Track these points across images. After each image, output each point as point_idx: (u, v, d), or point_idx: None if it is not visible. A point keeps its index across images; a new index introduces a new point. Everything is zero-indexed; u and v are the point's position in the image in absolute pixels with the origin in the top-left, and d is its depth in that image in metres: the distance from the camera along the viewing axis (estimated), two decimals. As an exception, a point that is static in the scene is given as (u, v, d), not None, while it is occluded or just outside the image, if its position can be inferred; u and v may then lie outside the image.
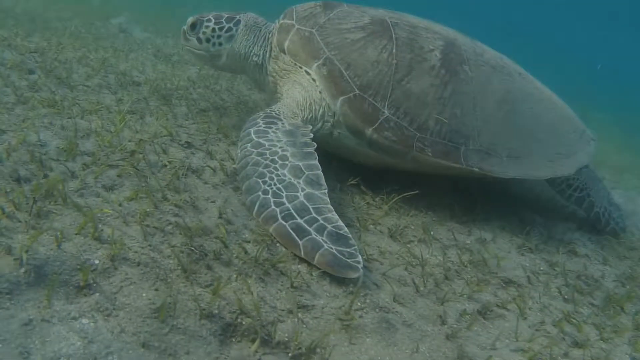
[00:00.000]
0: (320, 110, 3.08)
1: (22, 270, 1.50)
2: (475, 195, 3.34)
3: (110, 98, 3.35)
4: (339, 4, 3.39)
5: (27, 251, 1.54)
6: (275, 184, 2.45)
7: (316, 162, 2.66)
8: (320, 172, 2.59)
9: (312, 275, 1.99)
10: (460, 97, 3.07)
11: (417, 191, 2.78)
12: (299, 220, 2.26)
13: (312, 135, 2.86)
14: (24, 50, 3.96)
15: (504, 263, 2.52)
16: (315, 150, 2.69)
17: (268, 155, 2.61)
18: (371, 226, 2.55)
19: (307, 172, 2.59)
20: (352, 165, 3.10)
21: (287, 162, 2.62)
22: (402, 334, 1.82)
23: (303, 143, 2.79)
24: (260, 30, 3.47)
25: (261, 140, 2.71)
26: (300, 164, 2.62)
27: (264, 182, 2.44)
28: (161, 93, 3.72)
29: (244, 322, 1.63)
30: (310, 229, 2.22)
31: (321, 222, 2.28)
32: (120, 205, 1.99)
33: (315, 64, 3.05)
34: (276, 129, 2.85)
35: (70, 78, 3.52)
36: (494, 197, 3.48)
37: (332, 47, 3.08)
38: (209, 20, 3.43)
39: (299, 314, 1.75)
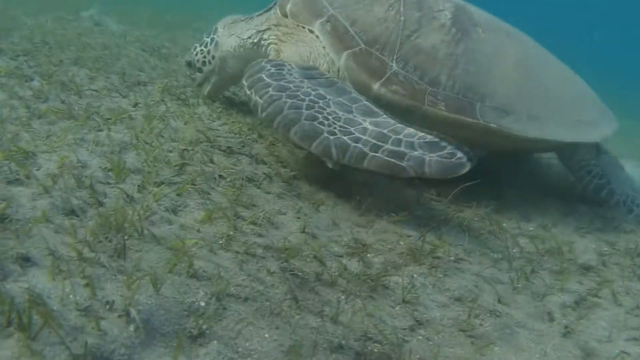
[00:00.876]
0: (324, 66, 2.90)
1: (132, 328, 1.27)
2: (500, 181, 3.17)
3: (125, 102, 3.03)
4: None
5: (131, 304, 1.30)
6: (334, 123, 2.28)
7: (355, 94, 2.54)
8: (366, 101, 2.48)
9: (415, 284, 1.81)
10: (473, 55, 2.88)
11: (478, 180, 2.63)
12: (388, 145, 2.18)
13: (328, 74, 2.71)
14: (11, 53, 3.53)
15: (574, 248, 2.44)
16: None
17: (302, 96, 2.40)
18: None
19: (354, 105, 2.45)
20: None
21: (327, 100, 2.44)
22: (523, 337, 1.70)
23: (328, 81, 2.63)
24: (242, 21, 3.35)
25: (282, 83, 2.48)
26: (341, 99, 2.46)
27: (321, 124, 2.25)
28: (173, 93, 3.41)
29: (374, 350, 1.46)
30: (404, 149, 2.16)
31: (406, 139, 2.22)
32: (198, 231, 1.75)
33: (319, 21, 2.90)
34: (288, 70, 2.64)
35: (74, 82, 3.14)
36: (511, 182, 3.31)
37: (336, 6, 2.93)
38: (194, 49, 3.47)
39: (422, 331, 1.60)
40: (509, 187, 3.05)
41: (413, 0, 2.97)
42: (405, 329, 1.59)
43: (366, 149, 2.15)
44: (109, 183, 1.94)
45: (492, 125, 2.74)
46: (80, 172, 1.97)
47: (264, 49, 3.24)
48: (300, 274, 1.66)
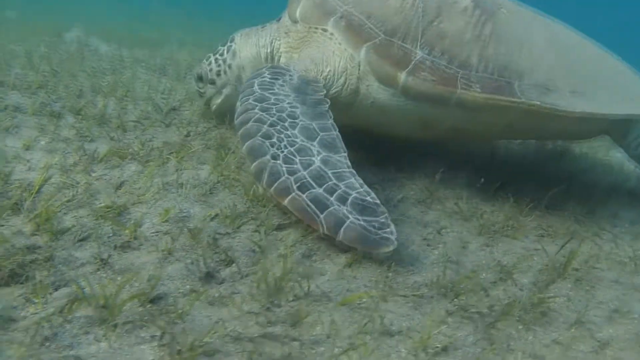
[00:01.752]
0: (342, 62, 2.70)
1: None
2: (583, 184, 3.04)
3: (175, 133, 2.74)
4: None
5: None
6: (285, 147, 2.08)
7: (331, 122, 2.31)
8: (336, 133, 2.24)
9: (573, 301, 1.65)
10: (503, 36, 2.67)
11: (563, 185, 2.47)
12: (317, 189, 1.90)
13: (324, 92, 2.53)
14: (26, 87, 3.15)
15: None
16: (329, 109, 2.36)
17: (274, 112, 2.24)
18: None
19: (321, 134, 2.23)
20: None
21: (296, 121, 2.25)
22: None
23: (315, 101, 2.43)
24: (258, 30, 3.13)
25: (266, 94, 2.34)
26: (313, 123, 2.26)
27: (272, 145, 2.06)
28: (209, 117, 3.13)
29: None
30: (331, 199, 1.87)
31: (343, 189, 1.93)
32: (355, 277, 1.54)
33: (332, 19, 2.70)
34: (283, 81, 2.49)
35: (108, 115, 2.83)
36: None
37: (348, 2, 2.74)
38: (207, 59, 3.18)
39: (609, 351, 1.46)
40: (593, 188, 2.94)
41: None
42: (592, 351, 1.44)
43: (294, 186, 1.90)
44: (228, 233, 1.69)
45: (535, 102, 2.45)
46: (192, 225, 1.70)
47: (277, 59, 3.07)
48: (475, 310, 1.47)
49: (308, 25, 2.84)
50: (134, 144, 2.45)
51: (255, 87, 2.38)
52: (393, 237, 1.73)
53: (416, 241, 1.92)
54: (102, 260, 1.46)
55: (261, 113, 2.20)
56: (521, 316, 1.52)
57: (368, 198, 1.91)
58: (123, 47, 5.84)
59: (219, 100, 3.17)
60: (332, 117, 2.33)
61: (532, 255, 1.95)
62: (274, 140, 2.09)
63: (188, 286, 1.36)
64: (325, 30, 2.76)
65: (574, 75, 2.72)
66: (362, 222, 1.78)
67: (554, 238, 2.16)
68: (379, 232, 1.75)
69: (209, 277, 1.45)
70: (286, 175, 1.93)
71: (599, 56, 3.10)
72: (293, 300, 1.37)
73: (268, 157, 1.99)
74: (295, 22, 2.91)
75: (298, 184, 1.90)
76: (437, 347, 1.30)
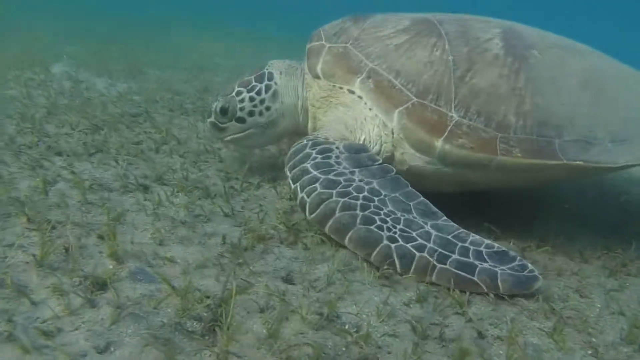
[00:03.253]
0: (375, 130, 2.53)
1: None
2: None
3: (272, 194, 2.62)
4: (370, 15, 2.88)
5: None
6: (394, 226, 2.03)
7: (410, 187, 2.27)
8: (423, 198, 2.23)
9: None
10: (538, 84, 2.50)
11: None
12: (455, 256, 1.95)
13: (379, 158, 2.43)
14: (77, 151, 2.96)
15: None
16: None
17: (354, 193, 2.13)
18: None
19: (411, 203, 2.20)
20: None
21: (383, 197, 2.16)
22: None
23: (380, 169, 2.34)
24: (297, 70, 2.90)
25: (331, 177, 2.20)
26: (398, 194, 2.21)
27: (380, 228, 2.00)
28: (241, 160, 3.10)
29: None
30: (473, 260, 1.95)
31: (472, 248, 2.01)
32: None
33: (359, 79, 2.53)
34: (336, 157, 2.34)
35: (157, 171, 2.76)
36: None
37: (373, 57, 2.57)
38: (239, 93, 2.79)
39: None
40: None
41: (456, 34, 2.61)
42: None
43: (433, 260, 1.92)
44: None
45: (578, 162, 2.37)
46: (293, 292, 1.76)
47: (303, 113, 2.88)
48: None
49: (332, 84, 2.66)
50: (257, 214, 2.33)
51: (314, 171, 2.22)
52: (537, 274, 1.93)
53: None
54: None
55: (343, 199, 2.08)
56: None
57: (495, 248, 2.02)
58: (118, 80, 5.42)
59: (238, 136, 2.86)
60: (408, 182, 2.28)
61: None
62: (379, 222, 2.01)
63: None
64: (352, 91, 2.59)
65: (613, 118, 2.59)
66: (508, 270, 1.92)
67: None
68: (524, 272, 1.92)
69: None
70: (418, 253, 1.91)
71: (632, 85, 2.91)
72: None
73: (385, 241, 1.95)
74: (317, 77, 2.71)
75: (435, 257, 1.91)
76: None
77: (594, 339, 1.75)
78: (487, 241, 2.06)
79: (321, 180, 2.16)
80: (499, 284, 1.87)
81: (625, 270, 2.31)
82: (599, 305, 2.00)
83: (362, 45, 2.62)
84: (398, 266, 1.91)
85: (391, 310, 1.72)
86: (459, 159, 2.37)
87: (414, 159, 2.45)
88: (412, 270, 1.90)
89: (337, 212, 2.03)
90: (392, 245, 1.93)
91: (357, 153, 2.39)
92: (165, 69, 7.30)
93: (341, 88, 2.60)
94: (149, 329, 1.46)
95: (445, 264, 1.89)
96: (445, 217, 2.14)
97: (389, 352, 1.51)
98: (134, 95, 4.89)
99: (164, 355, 1.35)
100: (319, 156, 2.28)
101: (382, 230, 1.97)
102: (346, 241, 2.00)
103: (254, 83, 2.79)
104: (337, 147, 2.38)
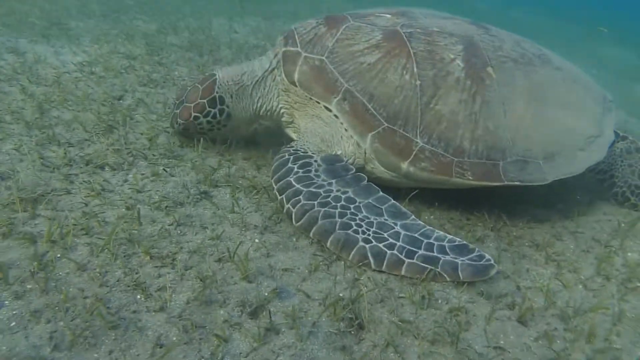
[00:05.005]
0: (350, 147, 2.75)
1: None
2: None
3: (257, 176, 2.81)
4: (342, 18, 2.95)
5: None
6: (367, 229, 2.28)
7: (381, 193, 2.52)
8: (393, 201, 2.48)
9: None
10: (490, 107, 2.72)
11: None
12: (422, 251, 2.20)
13: (352, 168, 2.67)
14: (99, 166, 2.82)
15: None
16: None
17: (333, 203, 2.38)
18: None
19: (383, 207, 2.44)
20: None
21: (358, 204, 2.41)
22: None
23: (353, 177, 2.58)
24: (247, 85, 3.06)
25: (312, 189, 2.44)
26: (370, 200, 2.46)
27: (356, 232, 2.25)
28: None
29: None
30: (437, 254, 2.20)
31: (437, 243, 2.27)
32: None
33: (335, 100, 2.69)
34: (315, 170, 2.58)
35: (204, 172, 2.81)
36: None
37: (348, 77, 2.70)
38: (196, 118, 3.01)
39: None
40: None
41: (424, 53, 2.74)
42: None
43: (402, 256, 2.15)
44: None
45: (516, 183, 2.68)
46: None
47: (275, 114, 3.11)
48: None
49: (309, 96, 2.80)
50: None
51: (297, 185, 2.44)
52: (493, 262, 2.21)
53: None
54: None
55: (324, 209, 2.31)
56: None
57: (456, 242, 2.28)
58: (56, 45, 4.76)
59: (209, 137, 3.12)
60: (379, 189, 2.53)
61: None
62: (355, 227, 2.25)
63: None
64: (328, 109, 2.74)
65: (547, 136, 2.84)
66: (467, 261, 2.19)
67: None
68: (481, 262, 2.19)
69: None
70: (389, 250, 2.16)
71: (567, 92, 3.10)
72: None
73: (361, 242, 2.18)
74: (293, 84, 2.84)
75: (403, 253, 2.16)
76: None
77: (582, 277, 2.51)
78: (449, 236, 2.30)
79: (304, 192, 2.38)
80: (459, 273, 2.13)
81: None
82: (572, 246, 2.78)
83: (337, 60, 2.73)
84: (372, 263, 2.15)
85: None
86: (421, 178, 2.66)
87: (383, 173, 2.73)
88: (384, 266, 2.14)
89: (319, 220, 2.27)
90: (367, 246, 2.17)
91: (333, 164, 2.61)
92: (93, 15, 6.48)
93: (318, 102, 2.76)
94: (325, 340, 1.81)
95: (413, 259, 2.14)
96: (413, 217, 2.39)
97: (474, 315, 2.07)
98: (93, 67, 4.41)
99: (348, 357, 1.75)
100: (300, 170, 2.51)
101: (358, 234, 2.21)
102: (328, 244, 2.23)
103: (207, 109, 2.98)
104: (315, 161, 2.60)
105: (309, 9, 10.60)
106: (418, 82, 2.65)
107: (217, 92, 2.98)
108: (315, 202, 2.33)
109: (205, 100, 2.96)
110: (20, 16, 5.87)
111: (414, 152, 2.59)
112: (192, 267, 2.07)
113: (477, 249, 2.28)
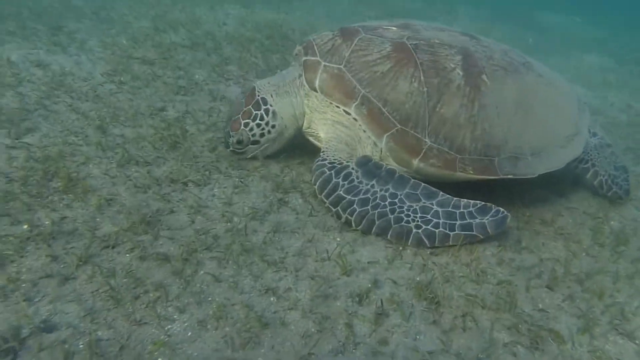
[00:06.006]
0: (369, 147, 3.05)
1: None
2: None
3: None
4: (355, 31, 3.24)
5: None
6: (415, 218, 2.73)
7: (413, 180, 2.89)
8: (423, 184, 2.88)
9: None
10: (485, 111, 3.04)
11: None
12: (459, 221, 2.73)
13: (384, 164, 2.98)
14: (183, 182, 3.06)
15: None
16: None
17: (382, 202, 2.78)
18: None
19: (418, 191, 2.85)
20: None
21: (400, 196, 2.81)
22: None
23: (388, 173, 2.91)
24: (286, 85, 3.28)
25: (361, 197, 2.81)
26: (407, 190, 2.85)
27: (407, 222, 2.71)
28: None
29: None
30: (469, 220, 2.73)
31: (466, 211, 2.79)
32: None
33: (354, 105, 2.96)
34: (357, 178, 2.90)
35: (271, 179, 3.15)
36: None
37: (365, 84, 2.98)
38: (246, 125, 3.18)
39: None
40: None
41: (429, 63, 3.03)
42: None
43: (447, 231, 2.68)
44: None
45: (509, 176, 3.04)
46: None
47: (301, 116, 3.31)
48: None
49: (329, 101, 3.07)
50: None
51: (347, 196, 2.79)
52: (507, 213, 2.77)
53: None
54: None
55: (377, 210, 2.74)
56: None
57: (479, 205, 2.79)
58: (68, 52, 4.71)
59: (258, 151, 3.30)
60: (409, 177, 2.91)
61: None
62: (405, 219, 2.71)
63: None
64: (348, 113, 3.02)
65: (534, 134, 3.21)
66: (490, 218, 2.75)
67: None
68: (499, 216, 2.76)
69: None
70: (436, 229, 2.68)
71: (549, 97, 3.44)
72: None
73: (414, 230, 2.67)
74: (314, 90, 3.11)
75: (447, 228, 2.70)
76: None
77: (584, 246, 3.12)
78: (472, 201, 2.79)
79: (356, 201, 2.77)
80: (489, 231, 2.71)
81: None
82: (570, 220, 3.39)
83: (354, 69, 3.00)
84: (427, 243, 2.66)
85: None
86: (429, 173, 3.00)
87: (396, 168, 3.00)
88: (436, 242, 2.67)
89: (376, 221, 2.70)
90: (419, 231, 2.67)
91: (367, 165, 2.93)
92: (84, 15, 6.28)
93: (338, 107, 3.04)
94: (421, 317, 2.31)
95: (455, 230, 2.69)
96: (442, 193, 2.83)
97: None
98: (120, 76, 4.46)
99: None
100: (345, 182, 2.83)
101: (410, 223, 2.69)
102: (389, 237, 2.71)
103: (254, 112, 3.17)
104: (352, 169, 2.91)
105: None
106: (425, 89, 2.94)
107: (258, 95, 3.19)
108: (369, 207, 2.72)
109: (250, 106, 3.17)
110: (17, 21, 5.61)
111: (423, 150, 2.91)
112: (302, 269, 2.48)
113: (493, 206, 2.78)
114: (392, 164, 3.02)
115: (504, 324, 2.33)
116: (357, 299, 2.33)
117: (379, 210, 2.72)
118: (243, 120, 3.16)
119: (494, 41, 3.63)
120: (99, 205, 2.63)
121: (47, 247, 2.31)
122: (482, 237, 2.73)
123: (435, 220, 2.72)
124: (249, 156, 3.30)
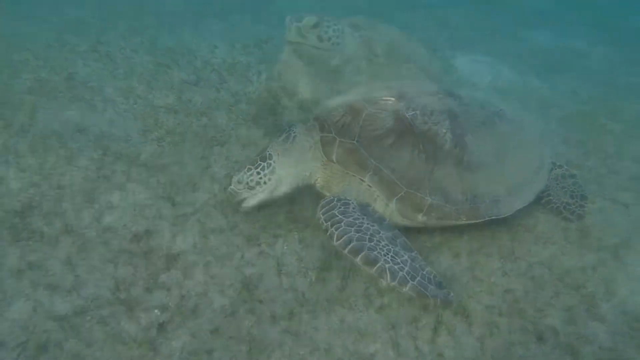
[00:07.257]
0: (380, 206, 3.51)
1: None
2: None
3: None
4: (360, 107, 3.62)
5: None
6: (387, 253, 3.03)
7: (397, 230, 3.30)
8: (404, 238, 3.24)
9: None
10: (473, 167, 3.54)
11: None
12: (419, 278, 2.97)
13: (379, 212, 3.46)
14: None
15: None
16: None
17: (364, 231, 3.14)
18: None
19: (397, 240, 3.22)
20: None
21: (381, 235, 3.17)
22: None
23: (378, 217, 3.38)
24: (295, 150, 3.67)
25: (350, 219, 3.20)
26: (390, 234, 3.23)
27: (379, 254, 3.00)
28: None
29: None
30: (427, 283, 2.97)
31: (427, 275, 3.04)
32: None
33: (368, 175, 3.43)
34: (353, 208, 3.34)
35: None
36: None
37: (375, 156, 3.43)
38: (248, 169, 3.57)
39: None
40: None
41: (425, 132, 3.49)
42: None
43: (408, 277, 2.91)
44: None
45: (492, 216, 3.54)
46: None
47: (313, 181, 3.71)
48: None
49: (345, 171, 3.52)
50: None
51: (339, 216, 3.20)
52: (452, 298, 2.97)
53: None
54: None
55: (357, 234, 3.08)
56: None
57: (438, 278, 3.05)
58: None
59: (252, 203, 3.63)
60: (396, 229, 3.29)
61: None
62: (378, 250, 3.01)
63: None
64: (363, 180, 3.46)
65: (509, 177, 3.70)
66: (441, 293, 2.97)
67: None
68: (448, 295, 2.97)
69: None
70: (400, 272, 2.91)
71: (519, 139, 3.91)
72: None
73: (382, 262, 2.92)
74: (331, 161, 3.54)
75: (409, 276, 2.92)
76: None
77: (562, 244, 3.96)
78: (434, 272, 3.06)
79: (344, 221, 3.13)
80: (437, 300, 2.91)
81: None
82: (542, 220, 4.23)
83: (365, 144, 3.46)
84: (388, 278, 2.88)
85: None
86: (430, 224, 3.49)
87: (402, 221, 3.50)
88: (396, 281, 2.88)
89: (353, 241, 3.00)
90: (386, 265, 2.91)
91: (365, 208, 3.40)
92: (86, 55, 6.32)
93: (354, 176, 3.50)
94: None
95: (414, 282, 2.90)
96: (416, 252, 3.15)
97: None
98: (149, 133, 4.70)
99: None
100: (343, 207, 3.28)
101: (381, 256, 2.94)
102: (358, 259, 2.94)
103: (258, 162, 3.58)
104: (352, 203, 3.36)
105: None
106: (423, 156, 3.44)
107: (267, 151, 3.61)
108: (353, 229, 3.07)
109: (258, 156, 3.62)
110: (31, 73, 5.54)
111: (426, 207, 3.41)
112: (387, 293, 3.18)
113: (443, 285, 3.04)
114: (399, 218, 3.47)
115: (515, 325, 3.17)
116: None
117: (360, 234, 3.07)
118: (248, 165, 3.60)
119: (470, 95, 4.10)
120: (205, 281, 3.17)
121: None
122: (431, 299, 2.93)
123: (402, 265, 2.99)
124: (243, 205, 3.64)
